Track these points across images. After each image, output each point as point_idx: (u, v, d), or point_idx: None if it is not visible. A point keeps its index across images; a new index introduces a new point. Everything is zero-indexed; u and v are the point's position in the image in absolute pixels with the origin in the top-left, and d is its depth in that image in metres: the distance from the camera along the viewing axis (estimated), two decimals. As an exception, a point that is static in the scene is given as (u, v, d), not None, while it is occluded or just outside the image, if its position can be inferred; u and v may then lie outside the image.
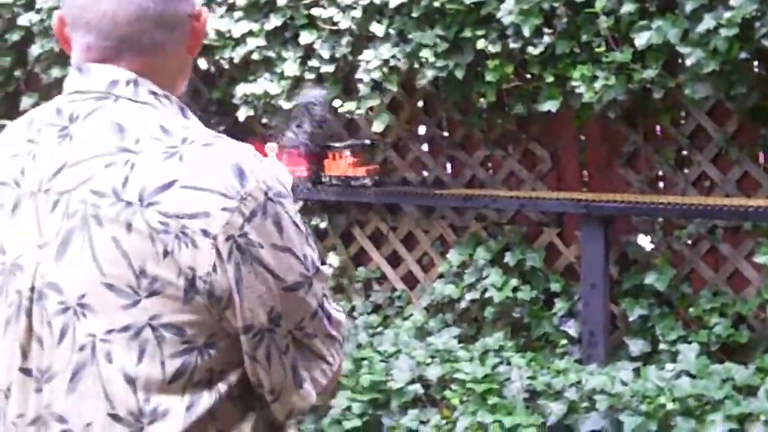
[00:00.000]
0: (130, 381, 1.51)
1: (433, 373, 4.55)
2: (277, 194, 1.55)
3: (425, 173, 5.41)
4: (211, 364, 1.55)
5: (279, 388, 1.61)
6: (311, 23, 5.20)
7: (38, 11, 5.93)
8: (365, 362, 4.72)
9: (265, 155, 2.12)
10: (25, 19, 5.98)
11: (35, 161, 1.61)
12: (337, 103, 5.14)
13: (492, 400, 4.32)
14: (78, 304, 1.53)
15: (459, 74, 4.74)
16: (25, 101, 6.17)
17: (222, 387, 1.57)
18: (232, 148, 1.57)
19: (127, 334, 1.51)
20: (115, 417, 1.52)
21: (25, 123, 1.69)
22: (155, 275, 1.49)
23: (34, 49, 6.02)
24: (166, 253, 1.49)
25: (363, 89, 5.04)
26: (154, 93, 1.62)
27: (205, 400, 1.54)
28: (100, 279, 1.51)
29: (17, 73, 6.28)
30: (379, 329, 5.22)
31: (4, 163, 1.67)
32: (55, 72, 5.95)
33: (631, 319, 4.68)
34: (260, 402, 1.63)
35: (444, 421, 4.41)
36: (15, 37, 6.12)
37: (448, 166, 5.38)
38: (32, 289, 1.57)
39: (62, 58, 5.91)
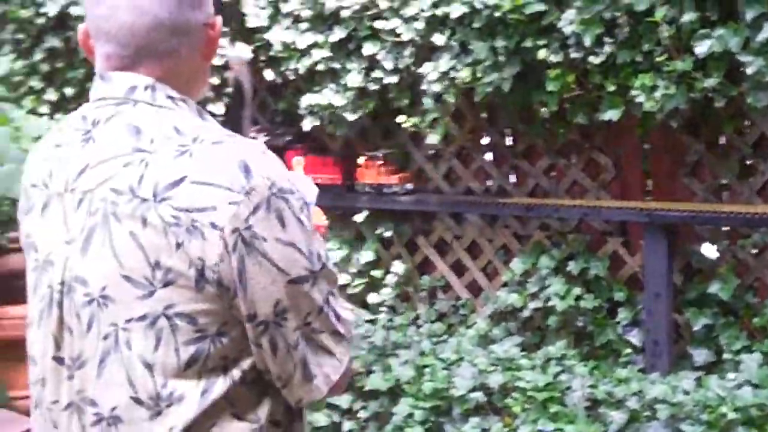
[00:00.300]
0: (149, 367, 1.61)
1: (495, 380, 4.58)
2: (281, 190, 1.62)
3: (489, 182, 5.44)
4: (224, 352, 1.63)
5: (286, 378, 1.67)
6: (375, 35, 5.26)
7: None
8: (427, 369, 4.77)
9: (291, 168, 2.18)
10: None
11: (62, 164, 1.72)
12: (401, 118, 5.21)
13: (553, 408, 4.34)
14: (101, 295, 1.63)
15: (506, 87, 4.77)
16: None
17: (236, 373, 1.64)
18: (240, 146, 1.64)
19: (144, 323, 1.60)
20: (137, 400, 1.62)
21: (57, 130, 1.80)
22: (169, 267, 1.58)
23: (106, 62, 6.13)
24: (178, 246, 1.58)
25: (426, 102, 5.09)
26: (170, 97, 1.71)
27: (220, 385, 1.62)
28: (119, 271, 1.61)
29: (89, 85, 6.39)
30: (444, 337, 5.25)
31: (36, 167, 1.79)
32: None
33: (695, 328, 4.64)
34: (277, 387, 1.69)
35: (506, 429, 4.44)
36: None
37: (512, 175, 5.40)
38: (62, 282, 1.68)
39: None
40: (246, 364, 1.65)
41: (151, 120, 1.66)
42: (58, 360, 1.70)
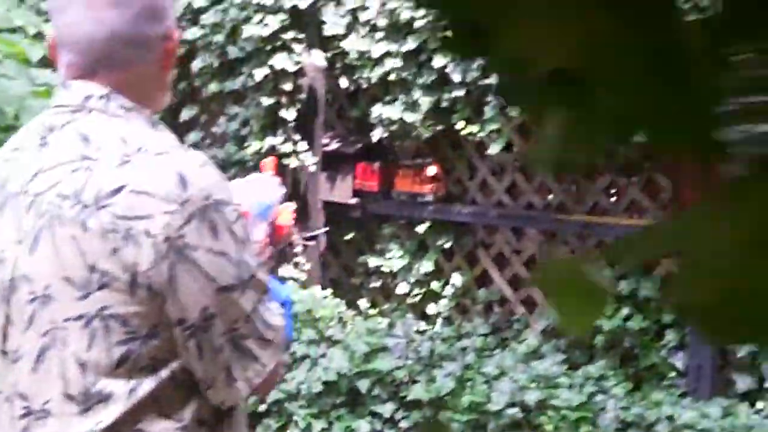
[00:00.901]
0: (82, 365, 1.69)
1: (532, 397, 4.56)
2: (216, 201, 1.69)
3: (550, 197, 5.41)
4: (154, 352, 1.70)
5: (210, 380, 1.75)
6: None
7: (202, 27, 6.20)
8: (469, 383, 4.78)
9: (262, 170, 2.29)
10: (189, 34, 6.24)
11: (19, 167, 1.81)
12: (460, 125, 5.24)
13: (584, 428, 4.31)
14: (43, 294, 1.72)
15: None
16: (185, 113, 6.46)
17: (164, 373, 1.71)
18: (181, 158, 1.72)
19: (80, 322, 1.69)
20: (68, 396, 1.70)
21: (21, 133, 1.90)
22: (104, 270, 1.66)
23: (197, 63, 6.29)
24: (114, 251, 1.66)
25: (488, 112, 5.11)
26: (123, 107, 1.79)
27: (147, 384, 1.70)
28: (60, 273, 1.69)
29: (181, 86, 6.56)
30: (496, 351, 5.23)
31: None
32: (213, 86, 6.22)
33: (739, 355, 4.56)
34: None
35: (538, 447, 4.43)
36: (180, 51, 6.37)
37: (572, 191, 5.37)
38: (11, 279, 1.77)
39: (220, 73, 6.18)
40: (175, 365, 1.73)
41: (100, 128, 1.75)
42: (4, 353, 1.79)
